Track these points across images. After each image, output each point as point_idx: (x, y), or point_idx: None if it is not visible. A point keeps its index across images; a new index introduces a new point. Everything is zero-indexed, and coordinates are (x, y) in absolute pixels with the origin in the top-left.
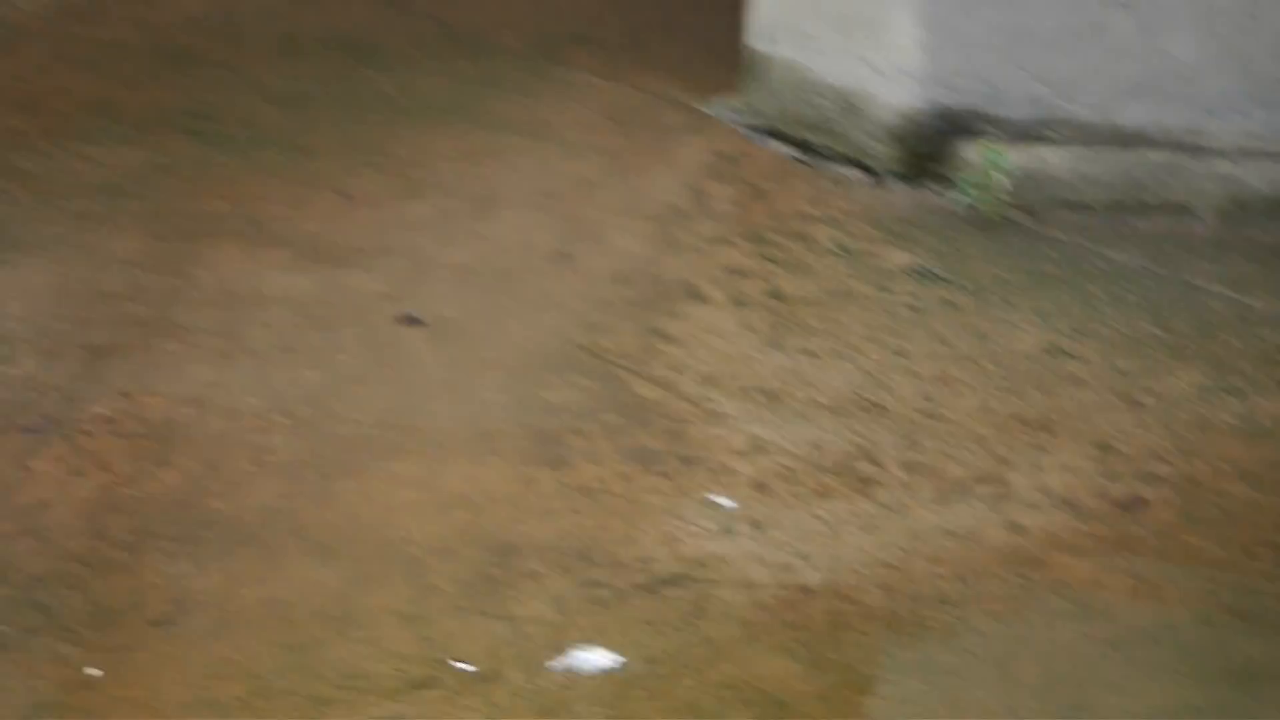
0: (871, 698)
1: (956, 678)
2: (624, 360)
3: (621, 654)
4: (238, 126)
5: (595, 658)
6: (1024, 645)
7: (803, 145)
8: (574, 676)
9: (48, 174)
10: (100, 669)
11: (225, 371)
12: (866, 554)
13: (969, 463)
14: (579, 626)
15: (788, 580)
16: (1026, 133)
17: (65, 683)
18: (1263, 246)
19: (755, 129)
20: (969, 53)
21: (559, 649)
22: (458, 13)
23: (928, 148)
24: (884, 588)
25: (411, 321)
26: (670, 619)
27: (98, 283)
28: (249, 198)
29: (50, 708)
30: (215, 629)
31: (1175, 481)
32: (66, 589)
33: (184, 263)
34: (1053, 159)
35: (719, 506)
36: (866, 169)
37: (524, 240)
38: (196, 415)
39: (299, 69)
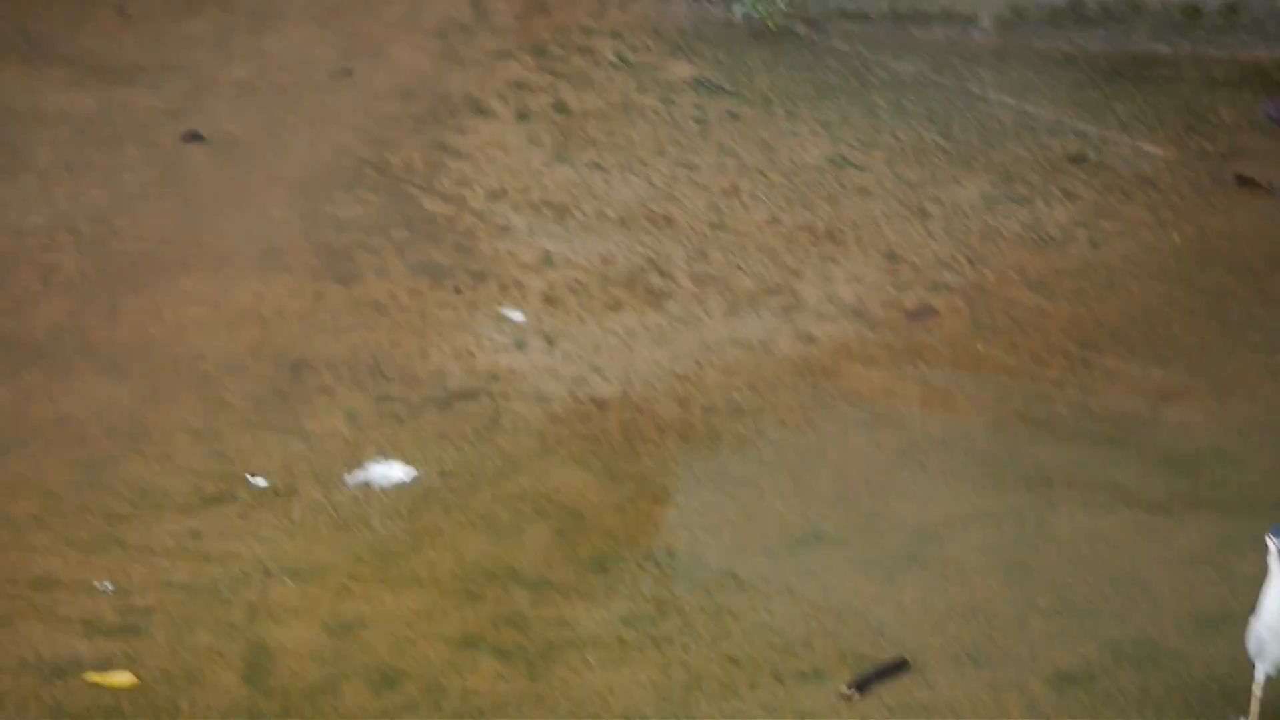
0: (667, 508)
1: (752, 488)
2: (411, 176)
3: (416, 467)
4: None
5: (390, 471)
6: (818, 455)
7: None
8: (369, 490)
9: None
10: None
11: (8, 190)
12: (659, 366)
13: (759, 274)
14: (373, 441)
15: (581, 393)
16: None
17: None
18: (1042, 55)
19: None
20: None
21: (354, 463)
22: None
23: None
24: (678, 399)
25: (195, 138)
26: (465, 432)
27: None
28: (24, 15)
29: None
30: (7, 447)
31: (964, 290)
32: None
33: None
34: None
35: (511, 320)
36: None
37: (305, 56)
38: None
39: None
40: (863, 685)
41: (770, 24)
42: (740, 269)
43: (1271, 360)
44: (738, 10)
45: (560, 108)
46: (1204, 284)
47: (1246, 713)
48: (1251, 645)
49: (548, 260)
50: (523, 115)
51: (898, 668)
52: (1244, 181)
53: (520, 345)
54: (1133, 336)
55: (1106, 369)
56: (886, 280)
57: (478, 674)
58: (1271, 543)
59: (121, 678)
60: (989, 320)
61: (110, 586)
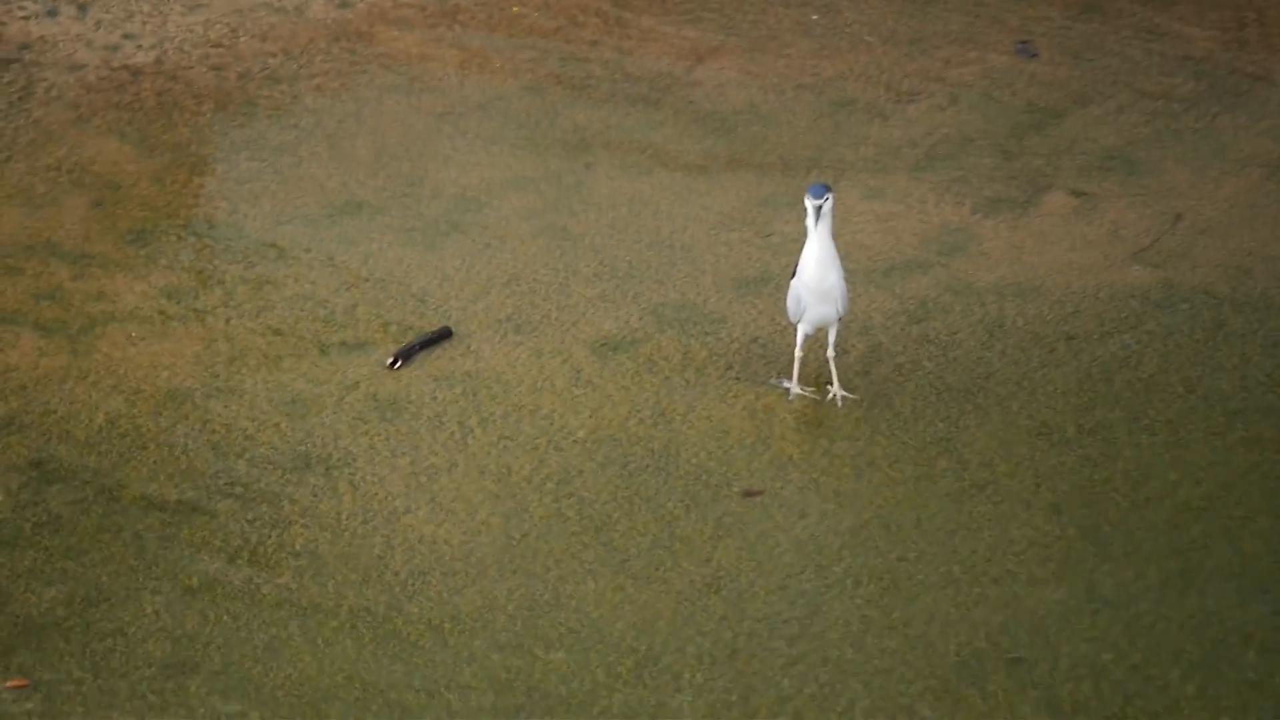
0: (205, 178)
1: (290, 155)
2: None
3: None
4: None
5: None
6: (355, 121)
7: None
8: None
9: None
10: None
11: None
12: (194, 33)
13: None
14: None
15: (116, 61)
16: None
17: None
18: None
19: None
20: None
21: None
22: None
23: None
24: (213, 67)
25: None
26: None
27: None
28: None
29: None
30: None
31: None
32: None
33: None
34: None
35: None
36: None
37: None
38: None
39: None
40: (406, 355)
41: None
42: None
43: (803, 16)
44: None
45: None
46: None
47: (788, 375)
48: (791, 307)
49: None
50: None
51: (441, 336)
52: None
53: (52, 13)
54: None
55: (642, 28)
56: None
57: (18, 350)
58: (809, 202)
59: None
60: None
61: None
